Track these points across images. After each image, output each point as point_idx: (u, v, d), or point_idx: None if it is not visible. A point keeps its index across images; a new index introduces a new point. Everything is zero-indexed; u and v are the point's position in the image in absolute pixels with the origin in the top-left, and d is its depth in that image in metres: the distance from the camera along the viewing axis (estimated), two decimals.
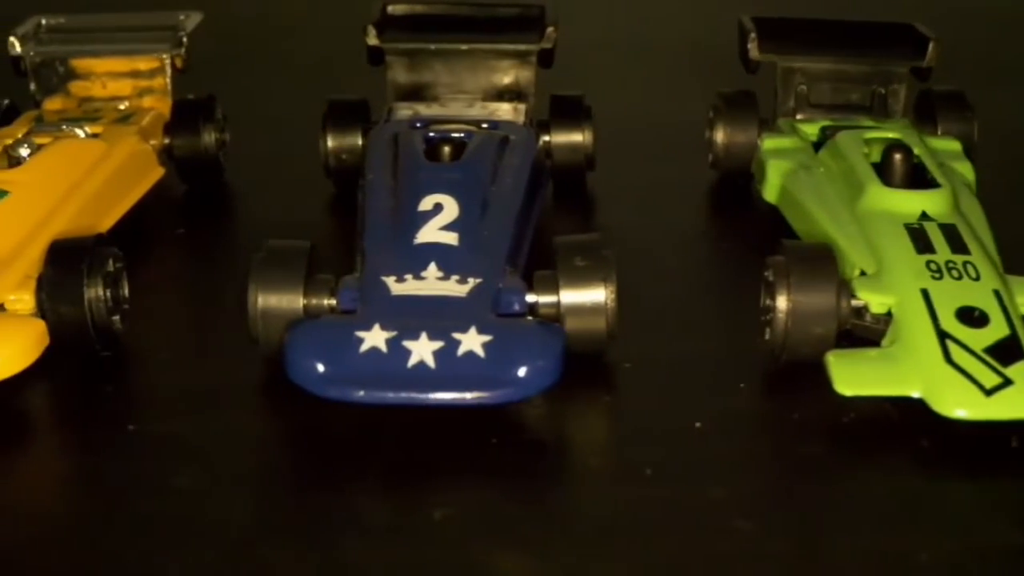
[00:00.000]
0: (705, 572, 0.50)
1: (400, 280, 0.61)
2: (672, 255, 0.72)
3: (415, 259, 0.62)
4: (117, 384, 0.62)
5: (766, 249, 0.62)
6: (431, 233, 0.63)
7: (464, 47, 0.77)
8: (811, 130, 0.75)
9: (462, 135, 0.70)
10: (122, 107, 0.79)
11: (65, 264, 0.62)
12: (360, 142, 0.76)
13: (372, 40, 0.77)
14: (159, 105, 0.80)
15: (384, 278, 0.61)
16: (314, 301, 0.60)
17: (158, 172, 0.77)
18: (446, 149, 0.70)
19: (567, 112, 0.77)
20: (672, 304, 0.67)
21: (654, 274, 0.70)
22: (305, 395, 0.58)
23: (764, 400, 0.61)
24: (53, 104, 0.80)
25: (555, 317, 0.60)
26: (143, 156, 0.76)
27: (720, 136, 0.77)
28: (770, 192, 0.72)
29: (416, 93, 0.78)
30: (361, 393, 0.56)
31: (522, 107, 0.76)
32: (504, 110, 0.76)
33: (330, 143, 0.77)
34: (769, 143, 0.74)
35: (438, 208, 0.64)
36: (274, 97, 0.93)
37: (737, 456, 0.57)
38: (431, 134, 0.70)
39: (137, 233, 0.72)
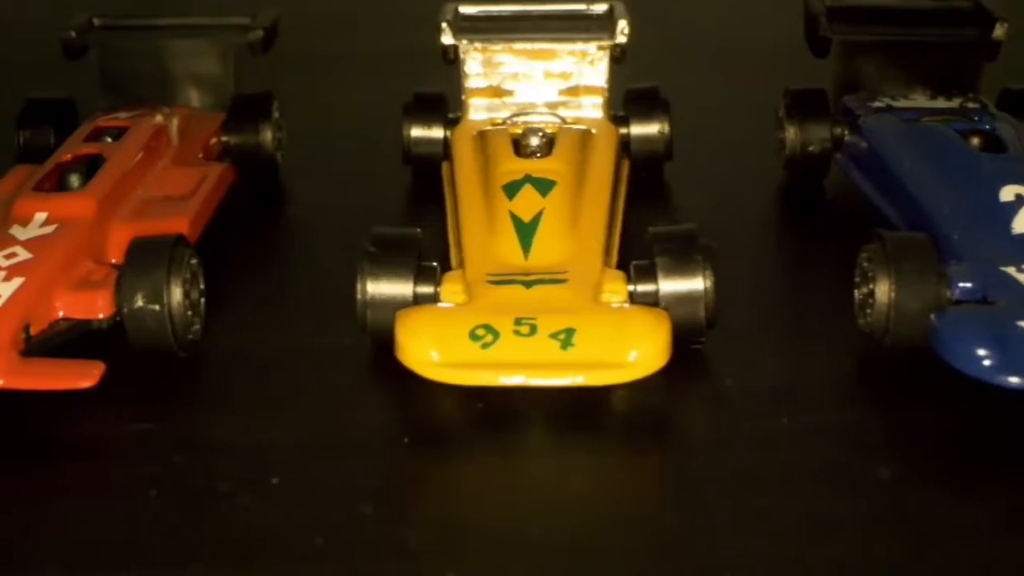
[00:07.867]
0: None
1: (1021, 270, 0.61)
2: None
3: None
4: None
5: None
6: None
7: (911, 39, 0.78)
8: None
9: (987, 127, 0.71)
10: None
11: (682, 255, 0.61)
12: (827, 134, 0.76)
13: (824, 31, 0.77)
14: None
15: (1004, 268, 0.61)
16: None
17: (626, 162, 0.76)
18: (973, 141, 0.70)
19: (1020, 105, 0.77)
20: None
21: None
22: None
23: None
24: (482, 94, 0.78)
25: None
26: (621, 145, 0.75)
27: None
28: None
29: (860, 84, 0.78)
30: None
31: (981, 99, 0.77)
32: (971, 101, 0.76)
33: (805, 134, 0.76)
34: None
35: (1020, 199, 0.64)
36: None
37: None
38: (959, 126, 0.71)
39: None
